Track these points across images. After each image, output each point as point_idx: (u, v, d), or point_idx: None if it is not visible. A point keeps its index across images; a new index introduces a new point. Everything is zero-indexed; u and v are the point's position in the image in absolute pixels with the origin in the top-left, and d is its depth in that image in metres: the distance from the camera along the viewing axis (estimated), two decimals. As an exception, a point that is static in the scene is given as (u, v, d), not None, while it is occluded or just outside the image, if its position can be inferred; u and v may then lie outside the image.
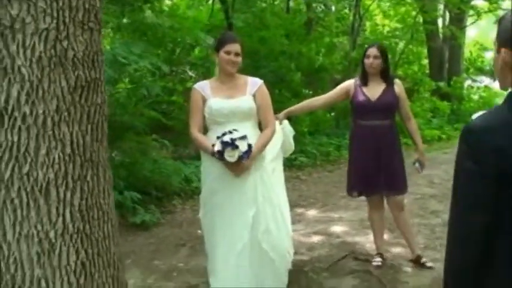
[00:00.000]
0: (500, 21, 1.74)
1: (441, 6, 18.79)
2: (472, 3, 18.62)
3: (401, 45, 17.88)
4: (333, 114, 12.53)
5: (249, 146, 3.57)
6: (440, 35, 19.03)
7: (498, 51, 1.71)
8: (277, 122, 4.32)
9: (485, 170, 1.58)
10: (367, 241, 5.30)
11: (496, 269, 1.63)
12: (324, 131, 12.10)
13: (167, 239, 5.87)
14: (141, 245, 5.64)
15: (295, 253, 4.51)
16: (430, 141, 13.16)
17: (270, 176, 3.98)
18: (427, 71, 19.25)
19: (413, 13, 18.13)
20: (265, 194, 3.81)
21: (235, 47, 3.79)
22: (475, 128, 1.64)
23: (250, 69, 8.36)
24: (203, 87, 3.89)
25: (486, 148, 1.58)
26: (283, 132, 4.44)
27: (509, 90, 1.70)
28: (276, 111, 4.40)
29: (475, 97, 19.81)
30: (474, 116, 1.75)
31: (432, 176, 8.35)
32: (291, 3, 15.12)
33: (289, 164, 8.82)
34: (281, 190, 4.22)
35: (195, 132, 3.81)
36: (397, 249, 5.09)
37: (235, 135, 3.56)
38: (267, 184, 3.86)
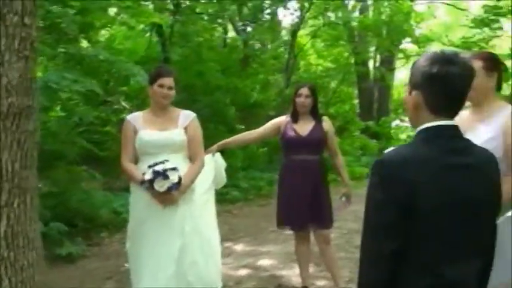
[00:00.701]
0: (412, 66, 1.92)
1: (372, 49, 19.63)
2: (401, 46, 19.56)
3: (333, 84, 18.49)
4: (265, 149, 12.72)
5: (180, 178, 3.63)
6: (371, 76, 19.81)
7: (410, 93, 1.89)
8: (210, 155, 4.40)
9: (395, 200, 1.72)
10: (293, 274, 5.40)
11: None
12: (257, 166, 12.25)
13: (93, 271, 5.76)
14: (66, 277, 5.52)
15: (224, 286, 4.54)
16: (359, 178, 13.53)
17: (201, 208, 4.02)
18: (358, 110, 19.92)
19: (346, 54, 18.86)
20: (193, 226, 3.85)
21: (169, 81, 3.87)
22: (387, 161, 1.78)
23: (186, 102, 8.45)
24: (135, 118, 3.95)
25: (397, 180, 1.72)
26: (215, 165, 4.50)
27: (419, 128, 1.86)
28: (211, 145, 4.51)
29: (403, 136, 20.57)
30: (387, 151, 1.89)
31: (359, 212, 8.48)
32: (228, 40, 15.42)
33: (222, 198, 8.86)
34: (212, 223, 4.24)
35: (126, 163, 3.85)
36: (322, 282, 5.22)
37: (167, 165, 3.61)
38: (196, 217, 3.90)
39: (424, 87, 1.84)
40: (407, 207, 1.71)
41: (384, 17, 17.16)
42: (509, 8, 13.12)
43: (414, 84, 1.87)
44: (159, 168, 3.58)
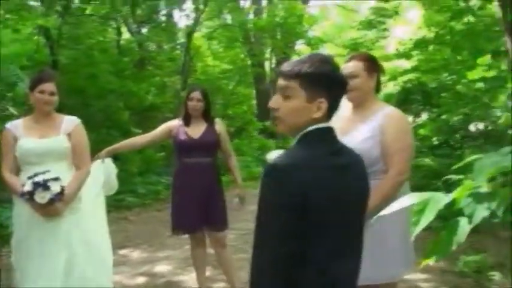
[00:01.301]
0: (300, 72, 1.84)
1: (268, 50, 19.97)
2: (296, 47, 20.05)
3: (231, 86, 18.61)
4: (163, 153, 12.55)
5: (62, 188, 3.47)
6: (267, 78, 20.15)
7: (310, 101, 1.82)
8: (99, 161, 4.27)
9: (291, 203, 1.72)
10: (191, 279, 5.35)
11: None
12: (154, 170, 12.06)
13: (-20, 288, 5.43)
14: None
15: (117, 296, 4.42)
16: (258, 178, 13.68)
17: (88, 217, 3.86)
18: (256, 111, 20.18)
19: (242, 56, 19.05)
20: (81, 237, 3.70)
21: (50, 86, 3.69)
22: (281, 165, 1.77)
23: (77, 107, 8.15)
24: (16, 126, 3.74)
25: (291, 183, 1.72)
26: (105, 171, 4.37)
27: (304, 131, 1.87)
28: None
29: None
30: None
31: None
32: (122, 41, 15.08)
33: (118, 204, 8.65)
34: (102, 231, 4.09)
35: (6, 173, 3.65)
36: (220, 285, 5.23)
37: (47, 176, 3.43)
38: (83, 226, 3.74)
39: (330, 93, 1.84)
40: (302, 210, 1.72)
41: (277, 19, 17.48)
42: (395, 10, 13.82)
43: (318, 90, 1.83)
44: (39, 179, 3.40)
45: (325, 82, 1.83)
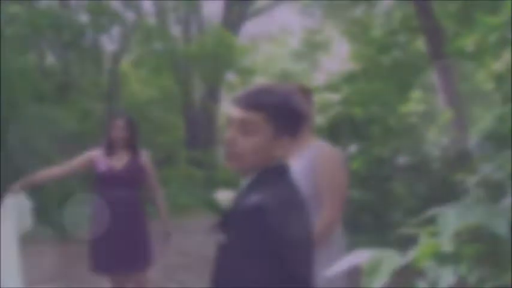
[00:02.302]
0: (263, 104, 1.64)
1: (197, 79, 19.79)
2: (226, 77, 20.02)
3: (159, 113, 18.25)
4: (86, 183, 12.01)
5: None
6: (197, 106, 19.92)
7: (276, 138, 1.64)
8: (10, 196, 3.92)
9: (282, 245, 1.56)
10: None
11: None
12: (74, 200, 11.48)
13: None
14: None
15: None
16: (186, 208, 13.37)
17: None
18: (184, 140, 19.84)
19: (171, 83, 18.79)
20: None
21: None
22: (263, 208, 1.55)
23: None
24: None
25: (284, 225, 1.56)
26: (17, 207, 4.00)
27: (266, 169, 1.67)
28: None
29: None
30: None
31: (185, 245, 8.35)
32: (46, 66, 14.52)
33: (34, 238, 8.10)
34: (13, 273, 3.75)
35: None
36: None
37: None
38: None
39: (295, 129, 1.67)
40: (293, 247, 1.61)
41: (208, 48, 17.37)
42: (325, 42, 14.08)
43: (284, 126, 1.64)
44: None
45: (293, 117, 1.65)
